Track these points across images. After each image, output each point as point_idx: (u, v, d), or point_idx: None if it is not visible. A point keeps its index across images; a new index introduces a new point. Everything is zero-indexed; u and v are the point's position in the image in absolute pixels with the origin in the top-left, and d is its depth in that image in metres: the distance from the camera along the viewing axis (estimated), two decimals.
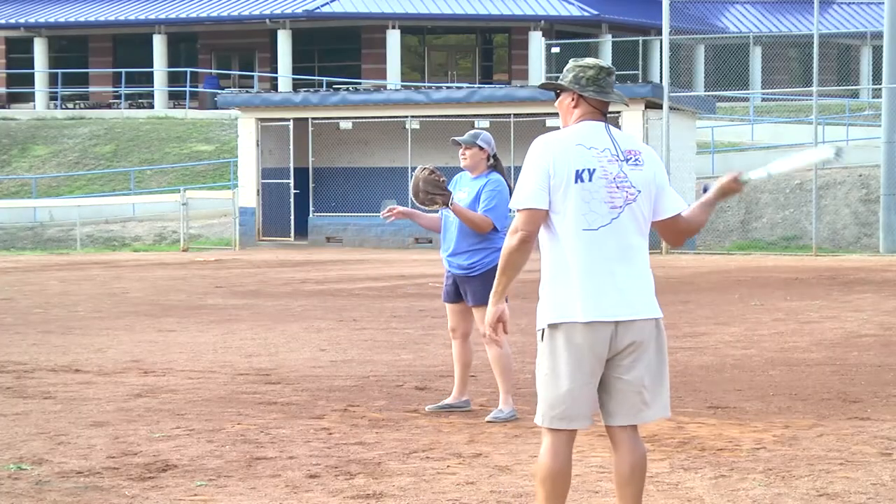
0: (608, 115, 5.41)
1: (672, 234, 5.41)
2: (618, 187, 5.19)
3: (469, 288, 8.87)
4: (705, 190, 5.53)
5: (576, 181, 5.15)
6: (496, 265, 5.39)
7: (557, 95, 5.42)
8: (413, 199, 8.90)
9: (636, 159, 5.25)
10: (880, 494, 6.65)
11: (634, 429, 5.30)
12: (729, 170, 31.42)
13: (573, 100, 5.34)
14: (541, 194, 5.16)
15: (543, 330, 5.21)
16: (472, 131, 9.08)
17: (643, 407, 5.24)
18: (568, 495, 5.30)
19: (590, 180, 5.16)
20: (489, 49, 50.71)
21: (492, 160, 8.95)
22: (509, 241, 5.22)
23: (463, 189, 8.96)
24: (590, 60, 5.38)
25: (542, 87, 5.71)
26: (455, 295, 9.02)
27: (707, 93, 40.03)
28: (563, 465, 5.22)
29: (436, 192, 8.79)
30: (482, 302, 8.25)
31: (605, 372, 5.21)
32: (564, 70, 5.40)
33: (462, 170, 9.04)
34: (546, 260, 5.24)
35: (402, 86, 42.72)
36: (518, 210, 5.22)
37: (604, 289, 5.14)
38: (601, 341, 5.14)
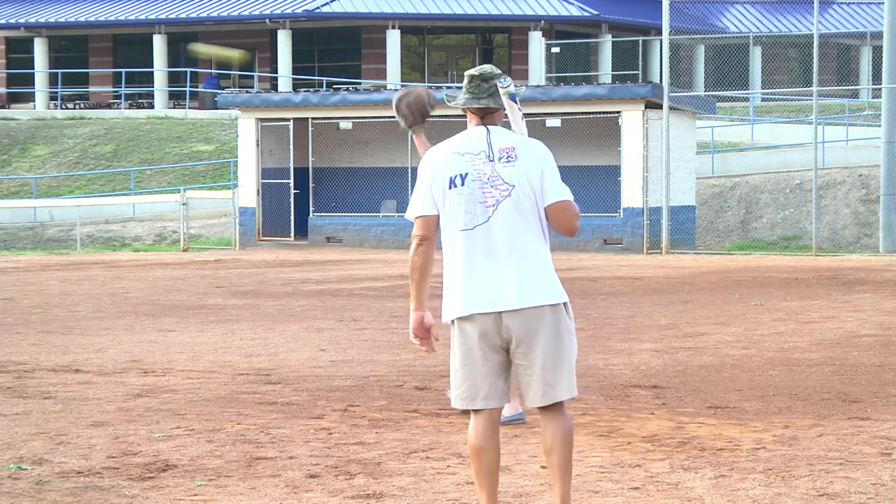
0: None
1: (554, 223, 5.74)
2: (492, 186, 5.65)
3: None
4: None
5: (450, 187, 5.67)
6: None
7: None
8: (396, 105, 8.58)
9: (509, 156, 5.68)
10: (880, 494, 6.66)
11: (556, 406, 5.66)
12: (729, 170, 31.08)
13: (463, 109, 5.86)
14: (427, 202, 5.72)
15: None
16: None
17: (547, 388, 5.63)
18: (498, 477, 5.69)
19: (463, 184, 5.66)
20: (489, 49, 50.70)
21: None
22: (411, 248, 5.75)
23: None
24: (468, 71, 5.89)
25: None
26: None
27: (707, 93, 40.01)
28: (483, 443, 5.65)
29: (409, 112, 8.50)
30: None
31: (509, 358, 5.67)
32: None
33: None
34: (443, 260, 5.72)
35: (402, 86, 42.71)
36: (414, 218, 5.77)
37: (482, 283, 5.62)
38: (488, 331, 5.61)
